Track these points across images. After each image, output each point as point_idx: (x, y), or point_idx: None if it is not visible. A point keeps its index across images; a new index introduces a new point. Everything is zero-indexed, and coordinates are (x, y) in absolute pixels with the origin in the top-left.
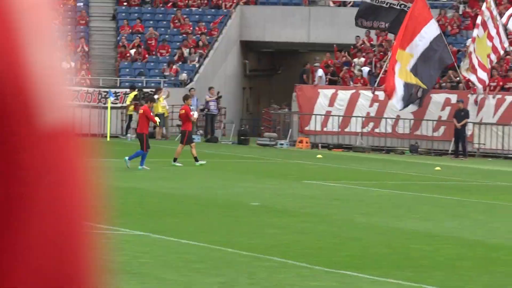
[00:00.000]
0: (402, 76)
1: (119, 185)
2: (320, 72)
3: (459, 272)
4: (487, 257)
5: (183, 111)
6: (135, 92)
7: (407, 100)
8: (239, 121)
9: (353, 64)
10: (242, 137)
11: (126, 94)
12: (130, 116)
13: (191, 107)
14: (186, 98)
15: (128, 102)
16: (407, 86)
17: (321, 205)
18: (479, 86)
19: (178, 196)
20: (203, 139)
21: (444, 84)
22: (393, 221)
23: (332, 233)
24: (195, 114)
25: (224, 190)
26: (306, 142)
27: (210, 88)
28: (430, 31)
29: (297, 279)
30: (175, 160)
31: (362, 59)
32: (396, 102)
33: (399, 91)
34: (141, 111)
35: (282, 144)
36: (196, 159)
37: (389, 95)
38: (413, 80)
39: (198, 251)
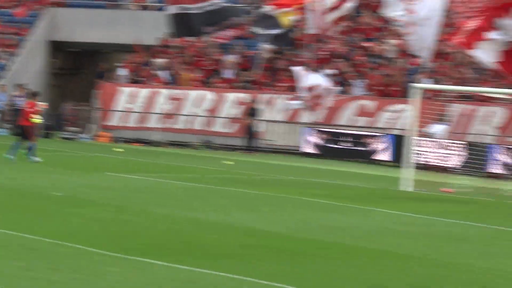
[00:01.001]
0: None
1: None
2: (121, 71)
3: (246, 259)
4: (272, 246)
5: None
6: None
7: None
8: (45, 116)
9: (152, 64)
10: (46, 132)
11: None
12: None
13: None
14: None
15: None
16: None
17: (120, 196)
18: None
19: None
20: (11, 132)
21: (237, 84)
22: (186, 211)
23: (130, 222)
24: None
25: (29, 182)
26: (108, 137)
27: (18, 85)
28: None
29: (96, 264)
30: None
31: (162, 60)
32: None
33: None
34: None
35: (84, 138)
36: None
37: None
38: None
39: None
